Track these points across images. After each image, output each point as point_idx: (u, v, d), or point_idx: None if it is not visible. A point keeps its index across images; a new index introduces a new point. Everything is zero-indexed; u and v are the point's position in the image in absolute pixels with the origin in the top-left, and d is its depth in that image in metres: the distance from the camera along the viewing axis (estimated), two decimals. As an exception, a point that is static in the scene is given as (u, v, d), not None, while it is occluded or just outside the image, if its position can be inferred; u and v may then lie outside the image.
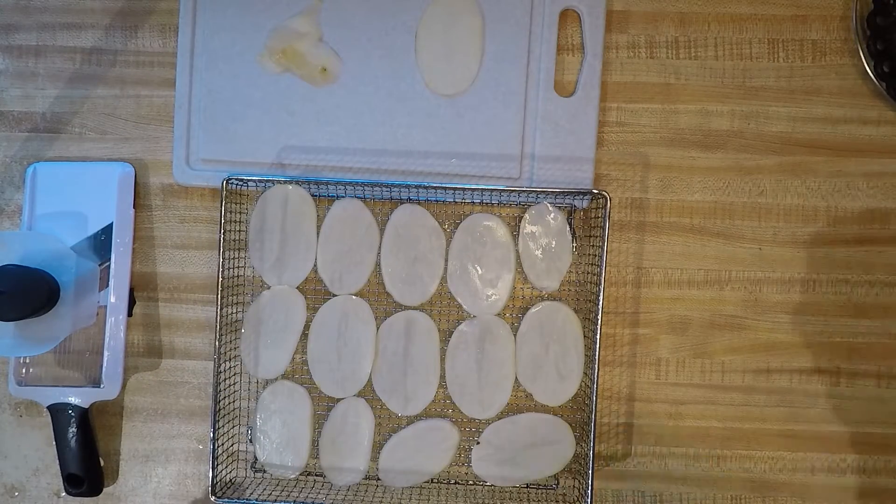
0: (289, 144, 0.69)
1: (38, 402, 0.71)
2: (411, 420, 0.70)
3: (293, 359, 0.69)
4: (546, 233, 0.68)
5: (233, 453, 0.70)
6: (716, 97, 0.70)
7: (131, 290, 0.71)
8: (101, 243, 0.70)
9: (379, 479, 0.69)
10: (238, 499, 0.66)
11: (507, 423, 0.69)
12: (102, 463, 0.71)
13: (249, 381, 0.70)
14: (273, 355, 0.69)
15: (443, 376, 0.69)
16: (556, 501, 0.69)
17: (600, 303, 0.65)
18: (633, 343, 0.71)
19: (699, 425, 0.71)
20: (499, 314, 0.69)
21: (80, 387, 0.69)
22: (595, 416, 0.65)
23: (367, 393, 0.69)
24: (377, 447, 0.69)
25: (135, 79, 0.72)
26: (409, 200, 0.69)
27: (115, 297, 0.69)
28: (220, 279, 0.66)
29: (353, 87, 0.69)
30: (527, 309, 0.69)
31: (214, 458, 0.66)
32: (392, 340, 0.68)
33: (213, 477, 0.66)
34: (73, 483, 0.69)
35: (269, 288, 0.69)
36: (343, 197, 0.69)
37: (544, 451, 0.68)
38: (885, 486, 0.70)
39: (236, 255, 0.69)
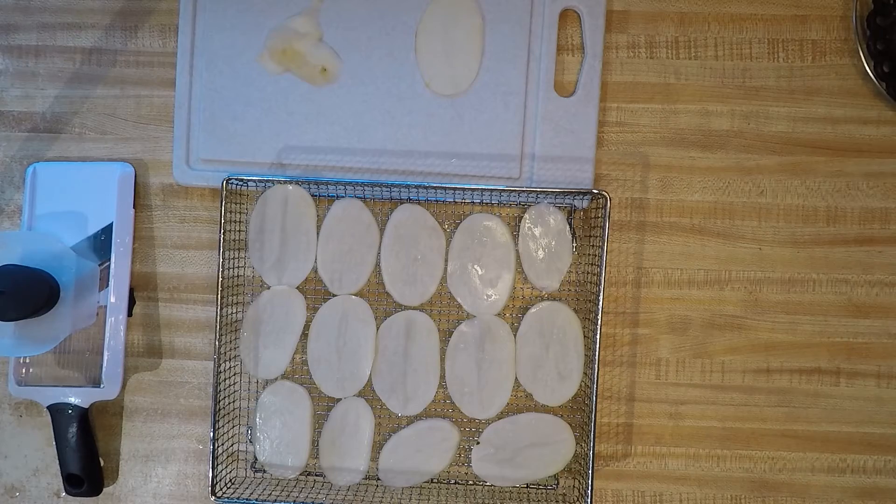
0: (289, 144, 0.69)
1: (38, 402, 0.71)
2: (411, 420, 0.70)
3: (293, 359, 0.69)
4: (546, 233, 0.68)
5: (233, 453, 0.70)
6: (716, 97, 0.70)
7: (131, 290, 0.71)
8: (101, 243, 0.70)
9: (379, 479, 0.69)
10: (238, 499, 0.66)
11: (507, 423, 0.69)
12: (102, 463, 0.71)
13: (249, 381, 0.70)
14: (273, 355, 0.69)
15: (443, 376, 0.69)
16: (556, 501, 0.69)
17: (600, 303, 0.65)
18: (633, 343, 0.71)
19: (699, 425, 0.71)
20: (499, 314, 0.69)
21: (80, 387, 0.69)
22: (595, 416, 0.65)
23: (367, 393, 0.69)
24: (377, 447, 0.69)
25: (135, 79, 0.72)
26: (409, 200, 0.69)
27: (115, 297, 0.69)
28: (220, 279, 0.66)
29: (353, 87, 0.69)
30: (527, 309, 0.69)
31: (214, 458, 0.66)
32: (392, 340, 0.68)
33: (213, 477, 0.66)
34: (73, 483, 0.69)
35: (269, 288, 0.69)
36: (343, 197, 0.69)
37: (544, 451, 0.68)
38: (885, 486, 0.70)
39: (236, 255, 0.69)
